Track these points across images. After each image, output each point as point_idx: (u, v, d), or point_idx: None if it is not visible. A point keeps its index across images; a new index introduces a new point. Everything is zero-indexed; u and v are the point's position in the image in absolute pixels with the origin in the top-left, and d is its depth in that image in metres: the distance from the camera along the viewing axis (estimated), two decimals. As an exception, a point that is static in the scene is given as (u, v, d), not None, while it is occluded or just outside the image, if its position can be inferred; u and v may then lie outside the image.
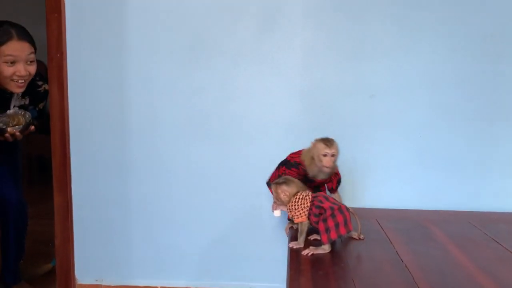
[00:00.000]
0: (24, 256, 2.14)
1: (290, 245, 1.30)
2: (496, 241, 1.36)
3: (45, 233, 3.01)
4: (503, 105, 1.71)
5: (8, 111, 1.66)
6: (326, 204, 1.25)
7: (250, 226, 1.83)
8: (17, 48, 1.61)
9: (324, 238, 1.23)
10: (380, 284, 1.06)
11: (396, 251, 1.26)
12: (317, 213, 1.25)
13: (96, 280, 1.91)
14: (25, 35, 1.63)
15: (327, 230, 1.22)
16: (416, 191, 1.75)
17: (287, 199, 1.32)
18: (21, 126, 1.64)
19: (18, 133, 1.64)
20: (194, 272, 1.87)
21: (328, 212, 1.23)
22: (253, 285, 1.85)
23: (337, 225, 1.22)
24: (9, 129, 1.62)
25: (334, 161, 1.40)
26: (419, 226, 1.50)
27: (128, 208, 1.86)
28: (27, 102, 1.80)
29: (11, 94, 1.71)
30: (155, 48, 1.77)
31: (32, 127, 1.69)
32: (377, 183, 1.74)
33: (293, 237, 1.36)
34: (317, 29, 1.72)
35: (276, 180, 1.37)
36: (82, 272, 1.91)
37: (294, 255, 1.23)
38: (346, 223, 1.23)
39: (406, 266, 1.15)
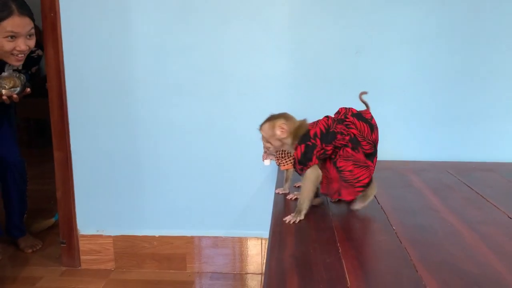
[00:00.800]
0: (27, 210, 2.27)
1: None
2: (468, 186, 1.45)
3: (46, 192, 3.13)
4: (486, 59, 1.76)
5: (3, 74, 1.71)
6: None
7: (242, 177, 1.92)
8: (18, 23, 1.62)
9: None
10: (355, 222, 1.16)
11: (374, 195, 1.36)
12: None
13: (97, 231, 2.02)
14: (26, 10, 1.65)
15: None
16: (399, 144, 1.84)
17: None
18: (17, 88, 1.69)
19: (15, 95, 1.70)
20: (188, 222, 1.98)
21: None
22: (248, 233, 1.97)
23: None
24: (4, 91, 1.67)
25: (267, 142, 1.26)
26: (398, 175, 1.60)
27: (125, 162, 1.95)
28: (20, 66, 1.83)
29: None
30: (145, 6, 1.81)
31: (28, 89, 1.74)
32: (362, 136, 1.83)
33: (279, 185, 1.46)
34: (304, -14, 1.75)
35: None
36: (83, 223, 2.02)
37: (278, 199, 1.33)
38: None
39: (381, 207, 1.25)
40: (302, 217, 1.16)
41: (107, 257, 2.02)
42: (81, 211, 2.01)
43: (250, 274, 1.98)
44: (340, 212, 1.23)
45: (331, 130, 1.19)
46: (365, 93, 1.28)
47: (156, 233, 1.99)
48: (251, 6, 1.78)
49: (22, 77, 1.74)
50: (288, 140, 1.21)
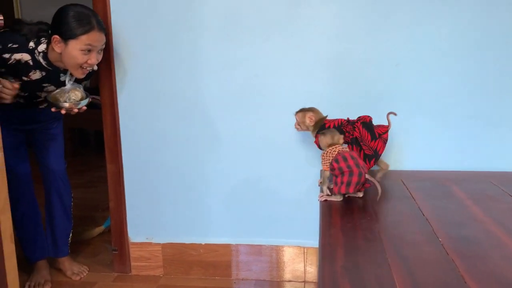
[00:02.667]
0: (71, 230, 2.20)
1: (319, 198, 1.49)
2: (512, 197, 1.48)
3: (92, 200, 3.28)
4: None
5: (66, 86, 1.75)
6: (341, 164, 1.43)
7: (284, 187, 1.99)
8: (96, 38, 1.67)
9: (335, 189, 1.45)
10: (402, 234, 1.21)
11: (418, 207, 1.40)
12: (332, 168, 1.46)
13: (147, 238, 2.12)
14: (103, 26, 1.71)
15: (337, 183, 1.44)
16: (440, 154, 1.86)
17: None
18: (83, 101, 1.75)
19: (75, 110, 1.76)
20: (232, 230, 2.06)
21: (345, 171, 1.42)
22: (287, 242, 2.03)
23: (348, 184, 1.41)
24: (68, 104, 1.73)
25: (298, 125, 1.75)
26: (440, 185, 1.63)
27: (173, 173, 2.05)
28: (73, 79, 1.85)
29: (63, 70, 1.79)
30: (189, 25, 1.91)
31: (89, 100, 1.78)
32: (403, 147, 1.86)
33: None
34: (344, 0, 1.81)
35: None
36: (134, 231, 2.13)
37: (325, 210, 1.39)
38: (355, 186, 1.41)
39: (426, 219, 1.29)
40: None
41: (156, 264, 2.13)
42: (132, 220, 2.12)
43: (293, 282, 2.04)
44: (386, 223, 1.28)
45: (341, 128, 1.66)
46: (393, 113, 1.70)
47: (202, 241, 2.08)
48: (290, 22, 1.85)
49: (82, 88, 1.78)
50: (312, 128, 1.72)
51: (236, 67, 1.91)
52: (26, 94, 1.80)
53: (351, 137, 1.65)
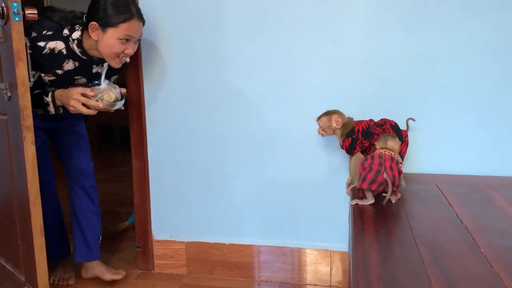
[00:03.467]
0: (101, 235, 2.09)
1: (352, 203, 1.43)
2: (558, 206, 1.38)
3: (117, 195, 3.29)
4: None
5: (101, 86, 1.68)
6: (367, 162, 1.41)
7: (308, 188, 1.93)
8: (135, 27, 1.62)
9: (358, 183, 1.40)
10: (440, 242, 1.14)
11: (456, 213, 1.32)
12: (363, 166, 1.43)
13: (171, 236, 2.10)
14: (142, 15, 1.65)
15: (364, 179, 1.38)
16: (477, 157, 1.77)
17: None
18: (119, 102, 1.67)
19: (112, 110, 1.68)
20: (258, 231, 2.02)
21: (366, 168, 1.40)
22: (313, 244, 1.97)
23: (364, 179, 1.38)
24: (102, 105, 1.64)
25: (323, 130, 1.68)
26: (479, 191, 1.54)
27: (198, 171, 2.02)
28: (103, 71, 1.79)
29: (96, 60, 1.73)
30: (216, 20, 1.87)
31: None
32: (438, 150, 1.77)
33: (355, 196, 1.46)
34: (378, -2, 1.74)
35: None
36: (158, 229, 2.11)
37: (357, 215, 1.33)
38: (370, 182, 1.37)
39: (465, 227, 1.22)
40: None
41: (180, 262, 2.10)
42: (156, 217, 2.10)
43: (319, 286, 1.98)
44: (422, 230, 1.21)
45: (370, 130, 1.61)
46: (412, 119, 1.69)
47: (226, 240, 2.04)
48: (322, 18, 1.79)
49: (118, 89, 1.70)
50: (339, 132, 1.65)
51: (264, 64, 1.87)
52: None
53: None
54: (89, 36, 1.62)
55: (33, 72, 1.63)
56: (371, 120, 1.66)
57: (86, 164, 2.01)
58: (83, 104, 1.64)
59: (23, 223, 1.62)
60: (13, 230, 1.70)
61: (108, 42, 1.61)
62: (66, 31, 1.65)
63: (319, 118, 1.67)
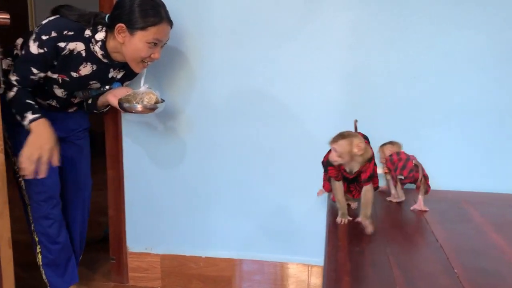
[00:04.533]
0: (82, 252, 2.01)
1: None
2: (535, 224, 1.37)
3: (97, 204, 3.20)
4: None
5: (140, 89, 1.62)
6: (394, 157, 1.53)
7: (290, 202, 1.90)
8: (165, 32, 1.55)
9: (396, 172, 1.52)
10: (414, 261, 1.11)
11: (432, 231, 1.30)
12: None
13: (146, 249, 2.04)
14: (170, 18, 1.57)
15: (402, 167, 1.51)
16: (456, 173, 1.76)
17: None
18: (160, 104, 1.63)
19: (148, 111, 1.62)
20: (235, 244, 1.97)
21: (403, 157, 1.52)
22: (291, 258, 1.93)
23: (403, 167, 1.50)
24: (140, 107, 1.59)
25: (339, 157, 1.34)
26: (456, 207, 1.53)
27: (175, 182, 1.97)
28: (119, 76, 1.73)
29: (116, 64, 1.65)
30: (200, 31, 1.83)
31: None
32: (416, 164, 1.76)
33: (331, 212, 1.43)
34: (362, 9, 1.72)
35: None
36: (133, 240, 2.05)
37: (332, 231, 1.30)
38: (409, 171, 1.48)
39: (441, 246, 1.19)
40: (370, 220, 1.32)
41: (154, 275, 2.05)
42: (131, 229, 2.04)
43: (296, 300, 1.95)
44: (397, 249, 1.18)
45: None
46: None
47: (203, 254, 2.00)
48: (308, 29, 1.76)
49: (157, 92, 1.65)
50: (359, 158, 1.35)
51: (245, 75, 1.84)
52: (65, 95, 1.66)
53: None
54: (114, 38, 1.54)
55: (36, 72, 1.52)
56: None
57: (87, 180, 1.90)
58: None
59: None
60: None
61: (136, 45, 1.52)
62: (88, 32, 1.55)
63: (335, 141, 1.34)
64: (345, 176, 1.41)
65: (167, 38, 1.58)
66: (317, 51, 1.77)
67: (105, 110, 1.81)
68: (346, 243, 1.21)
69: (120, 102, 1.62)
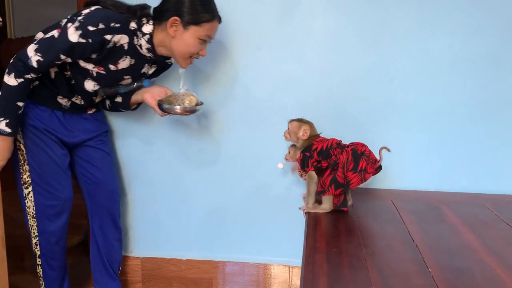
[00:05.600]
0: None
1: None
2: (507, 223, 1.41)
3: (79, 207, 3.17)
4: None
5: (180, 91, 1.60)
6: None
7: (270, 203, 1.91)
8: (215, 29, 1.53)
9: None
10: (390, 262, 1.13)
11: (408, 231, 1.33)
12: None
13: (126, 252, 2.03)
14: (220, 17, 1.55)
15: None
16: (432, 174, 1.79)
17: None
18: (199, 106, 1.61)
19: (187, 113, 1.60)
20: (215, 246, 1.98)
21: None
22: (273, 260, 1.95)
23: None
24: (179, 109, 1.56)
25: (288, 133, 1.57)
26: (432, 207, 1.56)
27: (155, 185, 1.97)
28: (150, 71, 1.69)
29: (153, 59, 1.61)
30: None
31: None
32: (394, 165, 1.78)
33: (311, 214, 1.44)
34: (338, 12, 1.74)
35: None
36: (113, 244, 2.03)
37: (310, 231, 1.31)
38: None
39: (416, 246, 1.22)
40: (310, 206, 1.50)
41: (135, 279, 2.04)
42: (111, 232, 2.02)
43: (277, 301, 1.96)
44: (374, 249, 1.20)
45: (329, 151, 1.48)
46: (387, 149, 1.47)
47: (184, 256, 1.99)
48: (283, 33, 1.78)
49: (195, 95, 1.63)
50: (301, 143, 1.54)
51: (224, 76, 1.84)
52: (95, 90, 1.59)
53: (334, 160, 1.46)
54: (162, 31, 1.50)
55: (64, 58, 1.45)
56: (336, 141, 1.51)
57: (113, 185, 1.83)
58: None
59: None
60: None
61: (187, 40, 1.49)
62: (133, 25, 1.49)
63: (291, 120, 1.57)
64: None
65: (214, 37, 1.56)
66: (295, 53, 1.79)
67: (134, 107, 1.77)
68: (324, 244, 1.23)
69: (160, 103, 1.59)
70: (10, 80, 1.44)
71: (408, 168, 1.80)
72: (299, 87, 1.81)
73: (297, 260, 1.90)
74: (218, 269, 1.97)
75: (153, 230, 2.00)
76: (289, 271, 1.93)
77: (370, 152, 1.47)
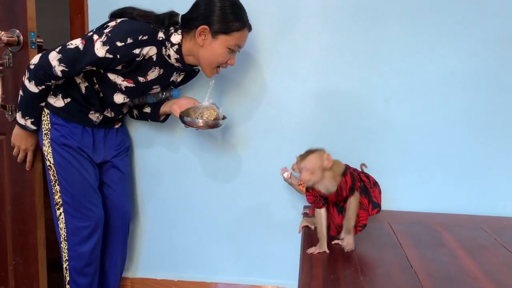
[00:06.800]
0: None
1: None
2: (506, 248, 1.38)
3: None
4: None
5: (204, 103, 1.55)
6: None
7: (263, 224, 1.87)
8: (245, 38, 1.49)
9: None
10: (389, 290, 1.10)
11: (406, 256, 1.29)
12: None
13: (116, 273, 1.97)
14: (251, 25, 1.50)
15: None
16: (429, 195, 1.77)
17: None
18: (220, 121, 1.54)
19: (207, 127, 1.54)
20: (207, 267, 1.93)
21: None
22: (266, 282, 1.90)
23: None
24: (201, 122, 1.50)
25: (311, 174, 1.26)
26: (430, 230, 1.53)
27: (145, 204, 1.93)
28: (178, 79, 1.65)
29: (182, 68, 1.56)
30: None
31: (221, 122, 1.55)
32: (391, 186, 1.75)
33: (306, 237, 1.40)
34: (334, 32, 1.73)
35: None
36: (102, 264, 1.98)
37: (306, 258, 1.27)
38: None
39: (415, 272, 1.18)
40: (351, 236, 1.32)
41: (124, 300, 1.98)
42: (100, 252, 1.97)
43: (270, 325, 1.91)
44: (371, 276, 1.16)
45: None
46: (364, 166, 1.51)
47: (175, 277, 1.94)
48: (279, 52, 1.76)
49: (221, 108, 1.57)
50: (329, 173, 1.28)
51: (218, 93, 1.81)
52: (125, 101, 1.55)
53: (360, 184, 1.37)
54: (190, 40, 1.46)
55: (89, 68, 1.43)
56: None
57: (126, 207, 1.78)
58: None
59: (21, 237, 1.75)
60: (1, 247, 1.79)
61: (216, 50, 1.45)
62: (161, 35, 1.45)
63: (304, 158, 1.27)
64: (326, 197, 1.33)
65: (243, 46, 1.52)
66: (288, 73, 1.77)
67: (162, 119, 1.73)
68: (321, 270, 1.19)
69: (181, 115, 1.54)
70: (31, 87, 1.45)
71: (404, 188, 1.77)
72: (293, 106, 1.78)
73: (292, 282, 1.86)
74: (210, 291, 1.92)
75: (143, 250, 1.95)
76: (282, 293, 1.89)
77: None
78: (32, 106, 1.51)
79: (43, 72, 1.41)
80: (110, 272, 1.79)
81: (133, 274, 1.97)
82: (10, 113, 1.68)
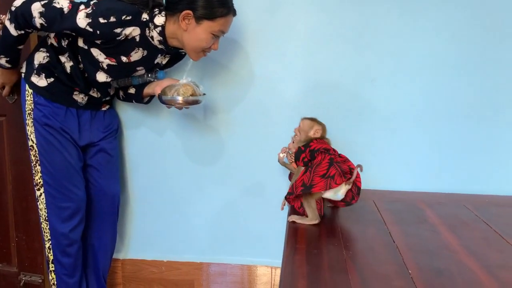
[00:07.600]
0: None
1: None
2: (486, 223, 1.41)
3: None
4: (505, 92, 1.71)
5: (181, 81, 1.54)
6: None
7: (253, 204, 1.90)
8: (230, 24, 1.49)
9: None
10: (371, 263, 1.12)
11: (389, 232, 1.32)
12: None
13: (106, 254, 1.99)
14: (235, 10, 1.50)
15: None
16: (414, 174, 1.80)
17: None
18: (199, 97, 1.54)
19: (187, 105, 1.55)
20: (197, 247, 1.96)
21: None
22: (256, 261, 1.93)
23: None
24: (181, 99, 1.50)
25: (298, 132, 1.51)
26: (414, 208, 1.56)
27: (135, 185, 1.94)
28: (164, 61, 1.66)
29: (165, 50, 1.55)
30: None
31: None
32: (376, 166, 1.78)
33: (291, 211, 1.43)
34: (320, 13, 1.74)
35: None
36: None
37: (291, 232, 1.30)
38: None
39: (397, 247, 1.21)
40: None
41: (115, 281, 2.00)
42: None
43: (260, 303, 1.94)
44: (354, 251, 1.19)
45: (315, 153, 1.43)
46: (361, 168, 1.41)
47: (165, 258, 1.97)
48: (266, 32, 1.77)
49: (201, 87, 1.57)
50: (303, 141, 1.49)
51: (206, 75, 1.82)
52: (108, 81, 1.56)
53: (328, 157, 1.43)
54: (174, 22, 1.46)
55: (66, 32, 1.43)
56: (335, 150, 1.47)
57: (114, 190, 1.79)
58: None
59: (23, 214, 1.81)
60: (3, 224, 1.85)
61: (199, 35, 1.45)
62: (145, 16, 1.44)
63: (304, 118, 1.53)
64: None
65: (227, 31, 1.51)
66: (275, 55, 1.78)
67: (146, 100, 1.73)
68: (305, 245, 1.22)
69: (159, 95, 1.54)
70: (11, 29, 1.43)
71: (390, 168, 1.80)
72: (280, 87, 1.80)
73: (280, 260, 1.88)
74: (199, 270, 1.95)
75: (133, 231, 1.97)
76: (271, 272, 1.92)
77: (349, 167, 1.41)
78: (9, 48, 1.48)
79: (23, 19, 1.40)
80: (100, 255, 1.81)
81: (124, 255, 1.99)
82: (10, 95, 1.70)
